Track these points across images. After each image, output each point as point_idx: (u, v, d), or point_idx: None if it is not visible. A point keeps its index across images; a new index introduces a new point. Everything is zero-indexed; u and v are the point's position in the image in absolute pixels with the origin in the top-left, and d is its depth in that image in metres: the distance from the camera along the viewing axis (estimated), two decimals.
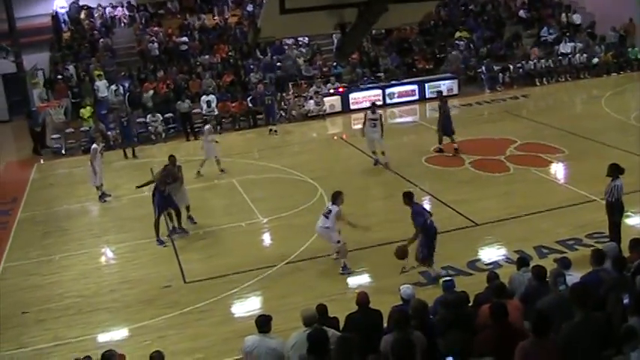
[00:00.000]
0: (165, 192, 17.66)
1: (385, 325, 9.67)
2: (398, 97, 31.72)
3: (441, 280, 11.16)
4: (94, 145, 21.62)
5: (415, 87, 32.12)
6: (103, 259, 17.93)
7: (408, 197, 14.78)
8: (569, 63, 34.72)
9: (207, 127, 23.58)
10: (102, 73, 32.16)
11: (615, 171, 14.19)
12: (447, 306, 9.19)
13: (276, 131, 28.51)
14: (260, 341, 9.11)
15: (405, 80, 32.60)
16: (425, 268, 14.61)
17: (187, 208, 18.79)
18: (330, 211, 15.27)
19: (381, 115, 22.54)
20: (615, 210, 14.37)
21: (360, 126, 23.46)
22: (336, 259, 15.64)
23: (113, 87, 31.37)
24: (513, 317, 8.50)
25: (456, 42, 36.07)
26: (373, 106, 23.15)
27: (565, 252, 14.61)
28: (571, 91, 33.13)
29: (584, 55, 34.94)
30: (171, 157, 18.52)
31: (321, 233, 15.52)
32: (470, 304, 9.93)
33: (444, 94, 26.62)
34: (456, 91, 32.65)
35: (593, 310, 8.02)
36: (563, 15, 38.54)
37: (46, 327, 14.26)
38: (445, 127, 23.38)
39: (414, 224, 14.45)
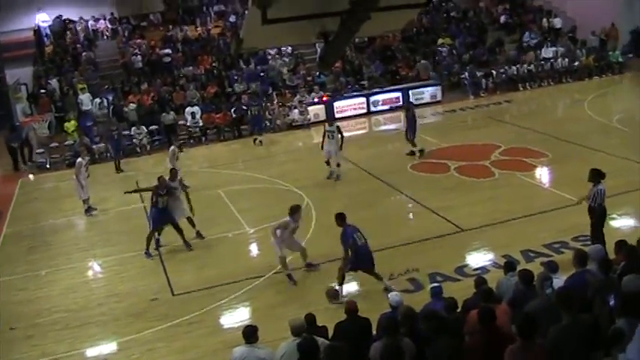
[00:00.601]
0: (159, 205, 17.58)
1: (374, 332, 9.69)
2: (382, 104, 31.81)
3: (429, 287, 11.18)
4: (79, 159, 21.57)
5: (399, 94, 32.22)
6: (90, 273, 17.85)
7: (340, 218, 14.51)
8: (551, 67, 34.96)
9: (172, 148, 23.07)
10: (85, 86, 32.08)
11: (597, 176, 14.27)
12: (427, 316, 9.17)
13: (261, 141, 28.50)
14: (249, 352, 9.10)
15: (389, 88, 32.69)
16: (335, 282, 14.38)
17: (192, 223, 18.60)
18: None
19: (338, 126, 22.34)
20: (597, 214, 14.44)
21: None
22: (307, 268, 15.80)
23: (97, 100, 31.32)
24: (502, 321, 8.52)
25: (439, 49, 36.26)
26: (330, 119, 23.59)
27: (552, 255, 14.69)
28: (554, 95, 33.34)
29: (566, 59, 35.18)
30: (172, 171, 18.70)
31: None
32: (458, 310, 9.95)
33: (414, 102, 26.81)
34: (439, 98, 32.80)
35: (579, 312, 8.06)
36: (545, 20, 38.80)
37: (34, 343, 14.18)
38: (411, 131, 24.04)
39: (343, 246, 14.26)
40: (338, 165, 22.38)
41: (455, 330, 8.63)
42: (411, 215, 19.48)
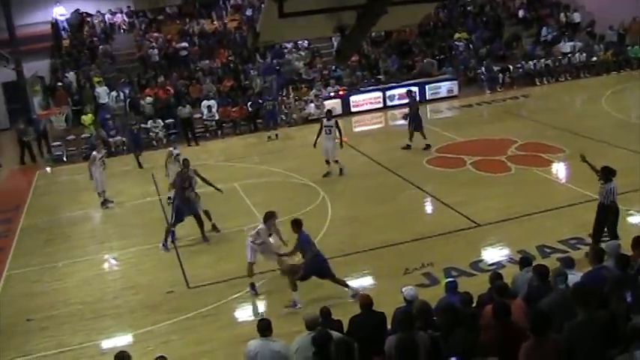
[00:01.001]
0: (185, 198, 17.66)
1: (389, 326, 9.69)
2: (398, 99, 31.70)
3: (444, 281, 11.16)
4: (94, 153, 21.62)
5: (416, 89, 32.08)
6: (106, 265, 17.93)
7: (297, 225, 14.16)
8: (568, 62, 34.75)
9: (174, 150, 22.16)
10: (102, 79, 32.21)
11: (608, 174, 14.19)
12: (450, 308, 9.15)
13: (277, 135, 28.48)
14: (263, 345, 9.13)
15: (405, 82, 32.59)
16: (290, 288, 14.13)
17: (208, 216, 18.55)
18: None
19: (337, 121, 22.18)
20: (610, 212, 14.35)
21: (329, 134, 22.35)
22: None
23: (114, 93, 31.40)
24: (517, 317, 8.50)
25: (455, 43, 36.14)
26: (329, 113, 23.07)
27: (568, 251, 14.60)
28: (571, 90, 33.14)
29: (584, 54, 34.97)
30: (185, 161, 18.54)
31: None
32: (473, 305, 9.93)
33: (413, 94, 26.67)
34: (456, 93, 32.70)
35: (596, 308, 8.02)
36: (562, 14, 38.56)
37: (50, 334, 14.27)
38: (416, 123, 24.17)
39: (302, 253, 14.16)
40: (336, 161, 22.13)
41: (470, 324, 8.62)
42: (426, 210, 19.44)
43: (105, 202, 21.59)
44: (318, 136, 22.02)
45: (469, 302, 9.93)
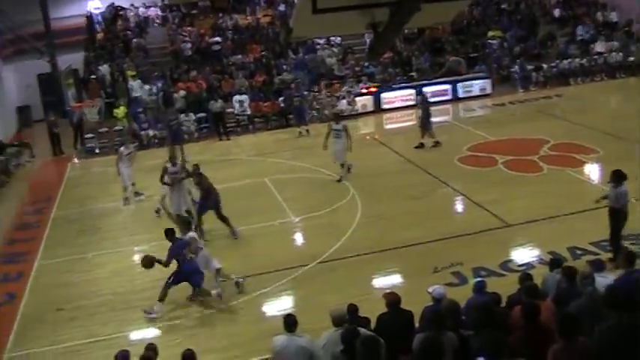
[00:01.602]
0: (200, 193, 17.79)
1: (417, 325, 9.65)
2: (430, 96, 31.53)
3: (473, 281, 11.10)
4: (121, 149, 21.71)
5: (448, 87, 32.00)
6: (136, 257, 17.97)
7: (169, 234, 14.74)
8: (604, 62, 34.36)
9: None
10: (135, 73, 32.42)
11: (620, 177, 14.03)
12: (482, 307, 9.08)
13: (307, 131, 28.44)
14: (289, 340, 9.13)
15: (438, 80, 32.44)
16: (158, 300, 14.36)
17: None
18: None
19: (345, 126, 21.77)
20: (621, 216, 14.19)
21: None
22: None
23: (147, 87, 31.59)
24: (546, 318, 8.41)
25: (489, 41, 35.88)
26: (336, 117, 22.78)
27: (599, 254, 14.47)
28: (606, 90, 32.70)
29: (620, 54, 34.55)
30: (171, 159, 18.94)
31: None
32: (502, 306, 9.86)
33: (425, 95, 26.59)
34: (489, 91, 32.48)
35: (628, 312, 7.92)
36: (599, 13, 38.14)
37: (80, 324, 14.42)
38: (425, 123, 24.31)
39: (168, 257, 14.45)
40: (342, 165, 21.72)
41: (499, 324, 8.55)
42: (456, 208, 19.35)
43: (127, 199, 21.57)
44: (326, 138, 21.72)
45: (498, 302, 9.86)
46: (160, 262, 14.47)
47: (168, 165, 18.87)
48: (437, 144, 24.39)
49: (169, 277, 14.47)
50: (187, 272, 14.46)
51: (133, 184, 21.80)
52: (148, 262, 14.60)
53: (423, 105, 24.69)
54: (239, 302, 14.48)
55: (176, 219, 16.50)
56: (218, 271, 14.96)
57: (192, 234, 15.03)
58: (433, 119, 25.06)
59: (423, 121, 24.37)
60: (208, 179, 18.02)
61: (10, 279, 17.36)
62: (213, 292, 14.40)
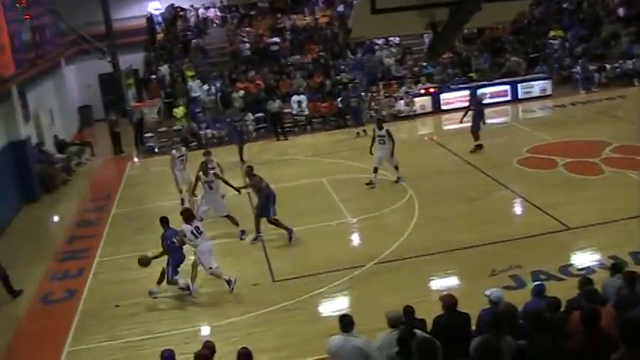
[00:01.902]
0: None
1: (473, 328, 9.55)
2: (489, 97, 31.25)
3: (531, 285, 10.94)
4: (173, 152, 21.71)
5: (507, 87, 31.61)
6: (193, 256, 18.16)
7: (163, 222, 15.92)
8: None
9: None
10: (194, 73, 32.77)
11: None
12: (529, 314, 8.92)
13: (364, 131, 28.30)
14: (345, 340, 9.11)
15: (497, 80, 32.10)
16: (180, 286, 15.41)
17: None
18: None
19: (389, 131, 21.37)
20: None
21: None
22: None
23: (206, 87, 31.89)
24: (606, 324, 8.25)
25: (550, 41, 35.37)
26: (379, 122, 21.87)
27: None
28: None
29: None
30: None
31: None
32: (562, 310, 9.70)
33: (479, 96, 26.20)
34: (549, 92, 31.99)
35: None
36: None
37: (138, 320, 14.62)
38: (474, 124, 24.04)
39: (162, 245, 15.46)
40: (396, 167, 21.52)
41: (557, 329, 8.42)
42: (515, 211, 19.11)
43: (183, 201, 21.61)
44: (372, 144, 21.45)
45: (556, 307, 9.70)
46: (155, 257, 15.54)
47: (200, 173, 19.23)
48: (477, 148, 24.00)
49: (167, 271, 15.42)
50: (177, 258, 15.57)
51: (190, 185, 21.87)
52: (144, 261, 15.50)
53: (478, 107, 24.35)
54: (295, 302, 14.50)
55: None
56: (211, 268, 15.43)
57: (185, 226, 15.29)
58: (492, 120, 24.80)
59: (475, 122, 24.02)
60: (264, 180, 18.02)
61: (71, 276, 17.68)
62: (181, 281, 15.30)
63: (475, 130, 23.95)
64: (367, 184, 21.36)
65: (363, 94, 30.53)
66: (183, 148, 21.97)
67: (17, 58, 20.66)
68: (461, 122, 24.65)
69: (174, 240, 15.22)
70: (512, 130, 27.30)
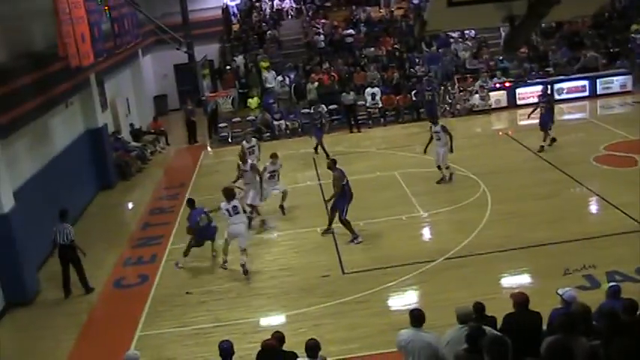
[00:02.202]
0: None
1: (544, 327, 9.38)
2: (567, 92, 30.63)
3: (606, 285, 10.69)
4: (243, 142, 21.68)
5: (586, 82, 30.93)
6: (264, 245, 18.33)
7: (189, 203, 17.84)
8: None
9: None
10: (269, 64, 32.95)
11: None
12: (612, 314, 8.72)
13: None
14: (415, 335, 9.07)
15: (576, 75, 31.44)
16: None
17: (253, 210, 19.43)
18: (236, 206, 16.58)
19: (444, 126, 21.02)
20: None
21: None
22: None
23: (279, 78, 32.04)
24: None
25: (632, 35, 34.42)
26: (433, 119, 21.93)
27: None
28: None
29: None
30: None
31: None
32: (638, 313, 9.44)
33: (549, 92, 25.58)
34: (630, 88, 31.18)
35: None
36: None
37: (208, 308, 14.83)
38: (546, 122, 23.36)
39: (189, 225, 17.26)
40: (447, 167, 21.19)
41: (633, 332, 8.20)
42: (591, 209, 18.71)
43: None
44: (429, 143, 21.10)
45: (633, 309, 9.44)
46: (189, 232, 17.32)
47: (268, 163, 19.84)
48: (544, 148, 23.31)
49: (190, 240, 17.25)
50: (201, 235, 17.18)
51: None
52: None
53: (549, 104, 23.62)
54: (364, 295, 14.51)
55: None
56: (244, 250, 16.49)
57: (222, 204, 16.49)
58: (569, 116, 24.30)
59: (545, 120, 23.34)
60: (346, 177, 17.82)
61: (144, 262, 18.03)
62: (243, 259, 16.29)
63: (545, 128, 23.34)
64: (438, 182, 21.12)
65: (437, 87, 30.24)
66: (254, 140, 22.05)
67: (96, 47, 21.02)
68: (528, 118, 24.31)
69: (198, 219, 16.99)
70: (590, 126, 26.70)
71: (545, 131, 23.29)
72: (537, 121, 23.50)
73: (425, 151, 21.29)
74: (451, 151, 20.83)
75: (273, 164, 20.07)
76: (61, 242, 16.07)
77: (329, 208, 18.04)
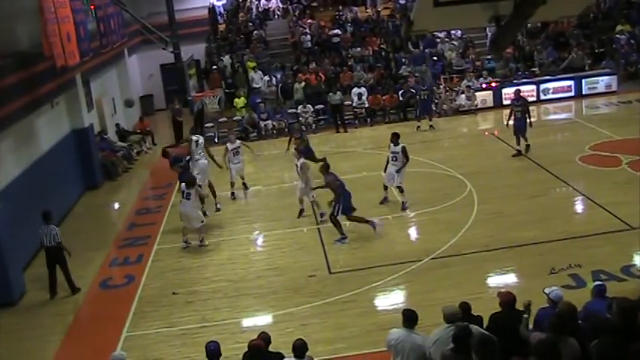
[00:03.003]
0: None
1: (531, 326, 9.41)
2: (553, 92, 30.74)
3: (592, 284, 10.74)
4: (227, 144, 21.57)
5: (571, 83, 31.06)
6: (250, 245, 18.33)
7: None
8: None
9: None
10: (255, 64, 32.91)
11: None
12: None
13: (432, 126, 27.93)
14: (406, 336, 9.09)
15: (561, 76, 31.56)
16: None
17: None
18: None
19: (404, 147, 19.09)
20: None
21: None
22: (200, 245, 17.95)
23: (266, 78, 32.01)
24: None
25: (617, 36, 34.58)
26: (395, 137, 19.37)
27: None
28: None
29: None
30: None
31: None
32: None
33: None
34: (615, 88, 31.33)
35: None
36: None
37: (194, 308, 14.80)
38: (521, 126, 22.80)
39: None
40: (399, 187, 19.46)
41: (619, 332, 8.23)
42: (576, 209, 18.78)
43: (233, 195, 21.75)
44: (387, 164, 19.52)
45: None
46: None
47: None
48: (521, 153, 22.95)
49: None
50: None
51: (242, 178, 22.00)
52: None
53: (523, 107, 23.05)
54: (351, 295, 14.52)
55: None
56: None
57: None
58: (555, 116, 24.34)
59: (520, 124, 22.87)
60: (339, 179, 17.79)
61: (130, 262, 17.96)
62: None
63: (519, 133, 22.89)
64: (380, 202, 19.79)
65: (424, 87, 30.25)
66: (238, 141, 21.97)
67: (82, 47, 20.97)
68: (507, 127, 23.64)
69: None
70: (575, 126, 26.81)
71: (521, 136, 22.90)
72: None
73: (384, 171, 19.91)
74: (398, 171, 19.24)
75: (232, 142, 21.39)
76: (47, 244, 16.00)
77: (335, 214, 17.57)
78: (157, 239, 19.16)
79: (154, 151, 29.70)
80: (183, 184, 18.09)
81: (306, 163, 19.40)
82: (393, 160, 19.23)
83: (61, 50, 18.95)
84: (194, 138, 21.11)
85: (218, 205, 20.70)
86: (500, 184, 20.47)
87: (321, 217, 18.73)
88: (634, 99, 29.72)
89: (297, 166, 19.04)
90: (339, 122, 29.42)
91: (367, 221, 17.58)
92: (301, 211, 19.41)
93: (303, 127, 27.01)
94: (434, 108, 29.91)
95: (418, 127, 27.94)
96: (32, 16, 18.96)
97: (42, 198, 18.78)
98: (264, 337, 10.00)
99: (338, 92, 29.81)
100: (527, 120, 22.80)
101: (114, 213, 22.97)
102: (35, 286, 16.72)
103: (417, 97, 29.03)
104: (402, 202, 19.31)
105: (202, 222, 18.23)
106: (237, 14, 37.97)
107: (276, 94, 31.54)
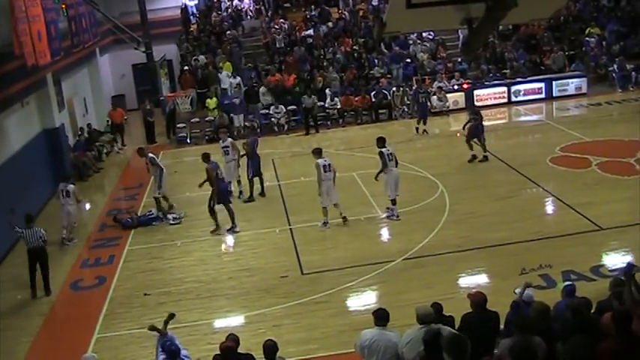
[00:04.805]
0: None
1: (502, 327, 9.48)
2: (524, 94, 30.98)
3: (562, 284, 10.84)
4: (220, 142, 21.76)
5: (542, 85, 31.31)
6: (223, 246, 18.30)
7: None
8: None
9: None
10: (227, 64, 32.77)
11: None
12: (572, 311, 8.81)
13: (425, 131, 27.76)
14: (380, 335, 9.09)
15: (532, 78, 31.80)
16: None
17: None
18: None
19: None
20: None
21: None
22: None
23: (234, 80, 31.65)
24: (638, 328, 8.12)
25: (587, 39, 34.90)
26: (318, 151, 18.72)
27: None
28: None
29: None
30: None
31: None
32: (592, 312, 9.58)
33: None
34: (584, 90, 31.61)
35: None
36: None
37: (166, 309, 14.54)
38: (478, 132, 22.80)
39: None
40: (335, 205, 18.46)
41: (588, 330, 8.31)
42: (547, 209, 18.94)
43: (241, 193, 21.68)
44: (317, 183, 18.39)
45: (587, 308, 9.58)
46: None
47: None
48: (475, 158, 22.75)
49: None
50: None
51: (238, 182, 21.79)
52: None
53: (478, 115, 23.08)
54: (323, 295, 14.54)
55: None
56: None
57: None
58: (526, 118, 24.43)
59: (474, 132, 22.82)
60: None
61: (102, 263, 17.86)
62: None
63: (473, 139, 22.80)
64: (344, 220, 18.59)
65: (394, 89, 30.33)
66: (229, 139, 21.90)
67: (53, 46, 20.85)
68: (465, 137, 23.25)
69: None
70: (546, 128, 27.02)
71: (476, 142, 22.78)
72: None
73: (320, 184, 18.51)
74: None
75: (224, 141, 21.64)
76: (32, 246, 15.90)
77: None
78: (128, 240, 19.05)
79: (124, 152, 29.56)
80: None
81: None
82: (324, 171, 18.25)
83: (31, 49, 18.82)
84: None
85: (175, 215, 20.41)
86: (472, 185, 20.59)
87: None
88: (603, 101, 30.07)
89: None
90: (311, 124, 29.32)
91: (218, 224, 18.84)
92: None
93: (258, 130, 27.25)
94: (406, 109, 30.01)
95: (417, 128, 27.74)
96: (2, 15, 18.79)
97: (12, 198, 18.61)
98: (234, 339, 9.98)
99: (313, 96, 29.65)
100: (482, 128, 22.88)
101: (85, 214, 22.78)
102: (6, 287, 16.60)
103: (416, 100, 28.90)
104: (344, 217, 18.48)
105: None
106: (209, 14, 37.85)
107: (240, 95, 31.07)
